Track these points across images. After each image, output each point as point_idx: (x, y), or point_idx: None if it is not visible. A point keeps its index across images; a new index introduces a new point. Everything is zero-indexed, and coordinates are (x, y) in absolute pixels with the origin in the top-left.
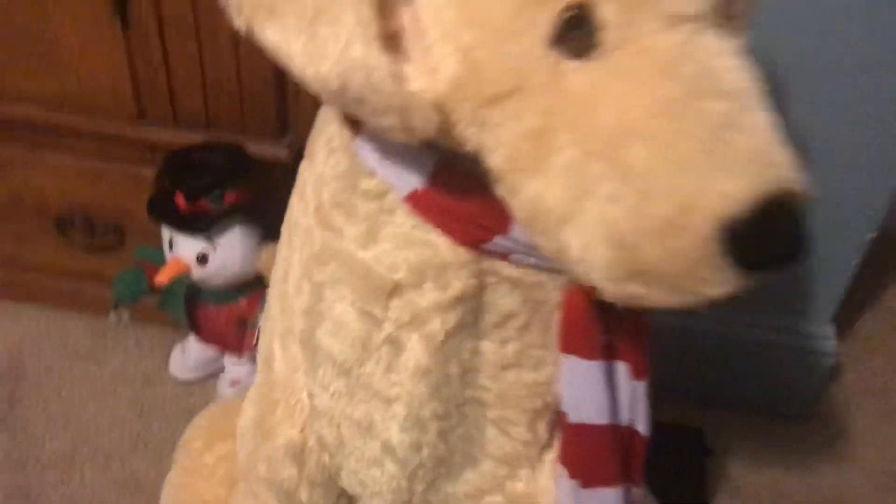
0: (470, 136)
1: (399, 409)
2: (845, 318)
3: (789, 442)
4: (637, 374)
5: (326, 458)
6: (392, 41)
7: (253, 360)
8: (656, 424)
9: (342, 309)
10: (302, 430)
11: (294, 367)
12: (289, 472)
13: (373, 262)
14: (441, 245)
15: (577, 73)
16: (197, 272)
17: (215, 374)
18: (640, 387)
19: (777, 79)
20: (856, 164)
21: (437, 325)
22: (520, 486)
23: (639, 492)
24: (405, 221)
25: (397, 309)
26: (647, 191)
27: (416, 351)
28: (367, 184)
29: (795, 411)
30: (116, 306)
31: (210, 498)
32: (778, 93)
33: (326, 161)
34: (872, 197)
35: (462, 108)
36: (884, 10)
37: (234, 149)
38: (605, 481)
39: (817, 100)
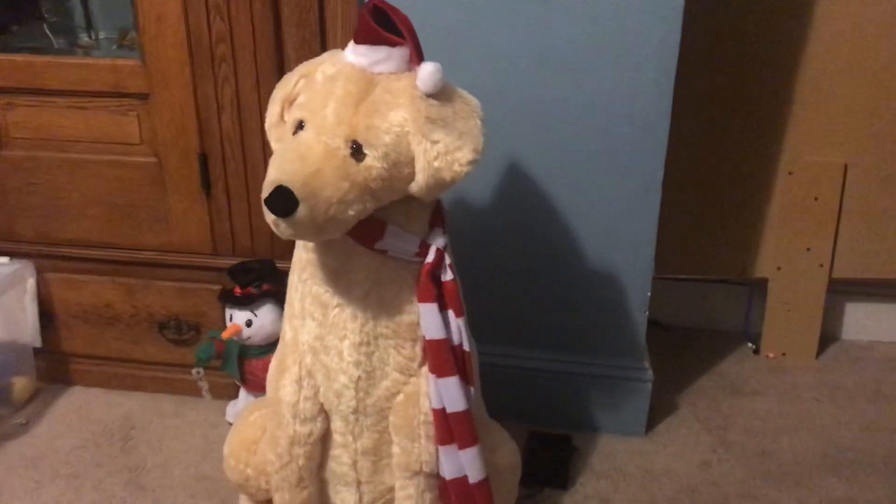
0: None
1: (346, 342)
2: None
3: (635, 445)
4: (458, 314)
5: (312, 380)
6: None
7: None
8: (541, 434)
9: (316, 290)
10: (299, 366)
11: (294, 331)
12: (293, 391)
13: (327, 262)
14: (358, 248)
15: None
16: (245, 332)
17: None
18: (461, 322)
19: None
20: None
21: (360, 291)
22: (410, 388)
23: (472, 389)
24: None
25: (338, 289)
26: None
27: (351, 308)
28: None
29: (639, 429)
30: (197, 365)
31: (251, 437)
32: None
33: None
34: (641, 247)
35: None
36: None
37: (268, 262)
38: (448, 372)
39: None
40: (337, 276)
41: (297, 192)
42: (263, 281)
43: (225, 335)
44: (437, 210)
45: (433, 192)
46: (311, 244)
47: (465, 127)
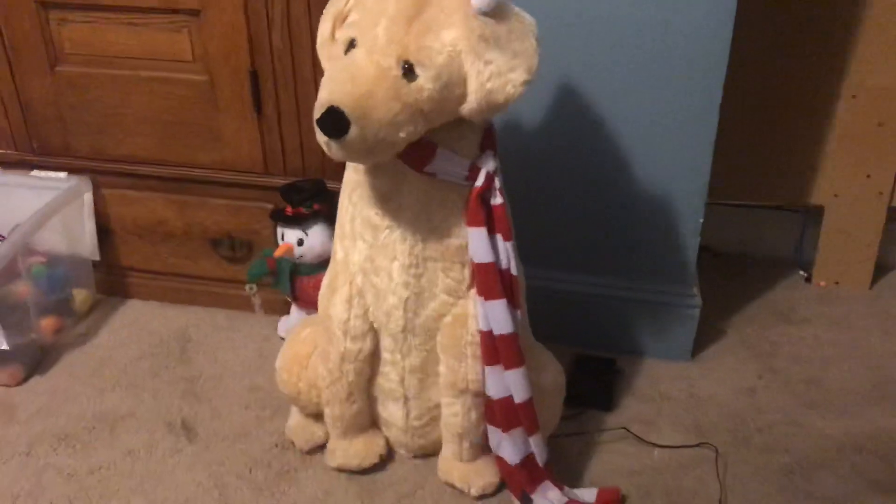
0: None
1: (396, 263)
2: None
3: (679, 370)
4: (506, 238)
5: (362, 300)
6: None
7: None
8: (585, 357)
9: (366, 212)
10: (350, 286)
11: (345, 252)
12: (344, 310)
13: (377, 185)
14: (408, 171)
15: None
16: (297, 251)
17: None
18: (510, 246)
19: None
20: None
21: (409, 214)
22: (458, 309)
23: (518, 312)
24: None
25: (387, 212)
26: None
27: (401, 231)
28: None
29: (684, 354)
30: (250, 282)
31: (303, 352)
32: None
33: None
34: (696, 172)
35: None
36: None
37: (318, 181)
38: (496, 295)
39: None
40: (386, 198)
41: (348, 114)
42: (314, 200)
43: (277, 254)
44: (488, 132)
45: (485, 113)
46: (361, 166)
47: (519, 47)
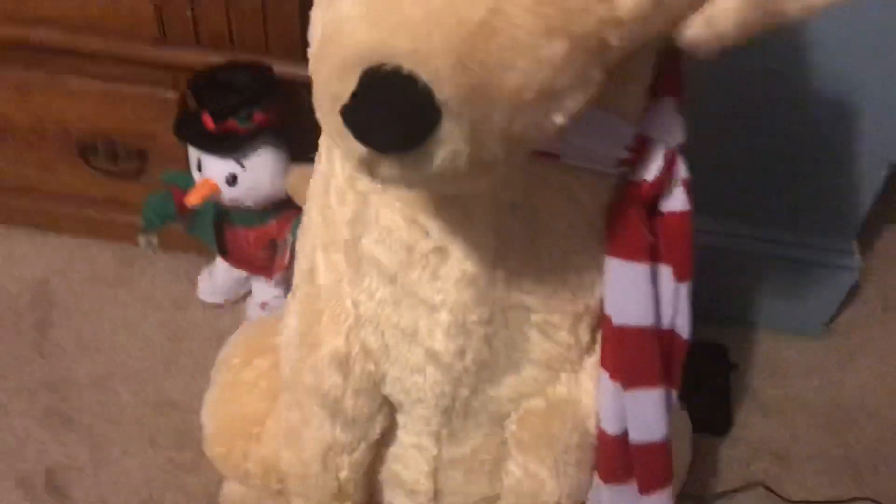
0: None
1: (443, 316)
2: (865, 235)
3: (811, 356)
4: (680, 276)
5: (371, 366)
6: None
7: (283, 282)
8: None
9: (389, 217)
10: (347, 339)
11: (338, 277)
12: (334, 380)
13: None
14: None
15: None
16: (227, 193)
17: (243, 297)
18: (683, 289)
19: None
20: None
21: (484, 225)
22: (561, 390)
23: (676, 394)
24: None
25: (439, 220)
26: None
27: (462, 259)
28: None
29: (816, 326)
30: (145, 230)
31: (251, 412)
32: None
33: None
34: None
35: None
36: None
37: (261, 68)
38: (647, 383)
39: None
40: (443, 202)
41: (444, 89)
42: (255, 108)
43: (192, 200)
44: (671, 64)
45: (728, 40)
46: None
47: None
